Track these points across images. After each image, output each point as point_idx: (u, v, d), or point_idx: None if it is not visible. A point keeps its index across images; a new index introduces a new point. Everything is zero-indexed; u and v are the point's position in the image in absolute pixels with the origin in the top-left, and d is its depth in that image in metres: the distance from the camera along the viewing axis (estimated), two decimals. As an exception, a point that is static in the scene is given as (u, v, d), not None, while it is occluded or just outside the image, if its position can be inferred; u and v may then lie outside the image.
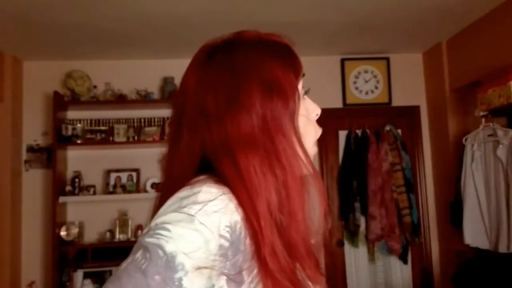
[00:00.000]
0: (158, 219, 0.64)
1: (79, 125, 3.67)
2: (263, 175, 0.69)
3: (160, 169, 0.79)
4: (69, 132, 3.60)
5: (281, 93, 0.72)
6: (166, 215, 0.64)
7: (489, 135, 3.03)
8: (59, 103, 3.59)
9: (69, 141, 3.60)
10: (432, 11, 3.09)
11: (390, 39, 3.67)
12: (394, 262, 3.85)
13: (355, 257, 3.87)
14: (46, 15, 2.93)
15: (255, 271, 0.66)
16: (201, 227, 0.62)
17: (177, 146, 0.75)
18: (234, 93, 0.71)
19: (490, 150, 3.01)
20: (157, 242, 0.61)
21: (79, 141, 3.62)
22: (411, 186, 3.79)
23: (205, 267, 0.62)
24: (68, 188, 3.58)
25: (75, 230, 3.54)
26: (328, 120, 3.97)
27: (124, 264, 0.62)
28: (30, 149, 3.77)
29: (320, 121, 0.83)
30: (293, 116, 0.73)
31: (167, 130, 3.58)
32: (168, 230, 0.62)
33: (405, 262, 3.81)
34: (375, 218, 3.67)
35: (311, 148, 0.80)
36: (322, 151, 3.94)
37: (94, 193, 3.66)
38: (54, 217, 3.44)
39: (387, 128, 3.86)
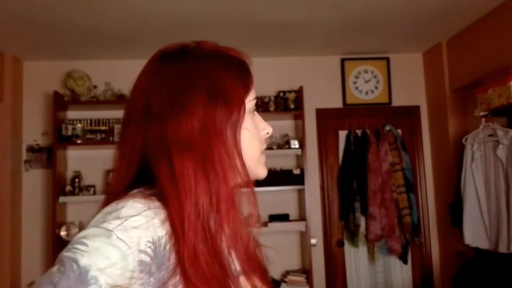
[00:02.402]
0: (79, 234, 0.65)
1: (79, 125, 3.67)
2: (195, 179, 0.69)
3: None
4: (69, 132, 3.60)
5: (226, 102, 0.73)
6: (87, 230, 0.65)
7: (489, 135, 3.03)
8: (59, 103, 3.59)
9: (69, 141, 3.60)
10: (432, 11, 3.09)
11: (390, 39, 3.67)
12: (394, 262, 3.85)
13: (355, 257, 3.87)
14: (46, 15, 2.93)
15: (181, 287, 0.66)
16: (118, 242, 0.62)
17: (123, 145, 0.77)
18: (179, 95, 0.72)
19: (490, 150, 3.01)
20: (73, 256, 0.61)
21: (79, 141, 3.62)
22: (411, 186, 3.79)
23: (120, 286, 0.62)
24: (68, 188, 3.58)
25: (75, 230, 3.54)
26: (328, 120, 3.98)
27: (39, 279, 0.62)
28: (30, 149, 3.77)
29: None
30: (235, 127, 0.74)
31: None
32: (85, 244, 0.62)
33: (405, 262, 3.81)
34: (375, 218, 3.67)
35: (258, 165, 0.80)
36: (322, 151, 3.94)
37: (94, 193, 3.66)
38: (54, 217, 3.44)
39: (387, 128, 3.86)
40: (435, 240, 3.91)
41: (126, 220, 0.65)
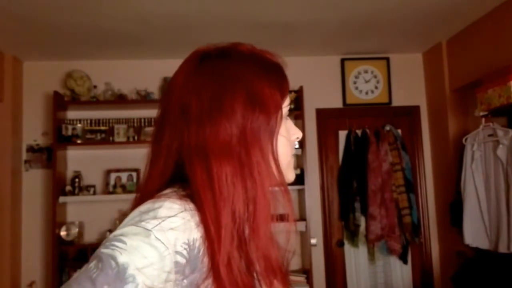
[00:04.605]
0: (116, 231, 0.65)
1: (79, 125, 3.67)
2: (233, 186, 0.69)
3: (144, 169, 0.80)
4: (69, 132, 3.60)
5: (264, 108, 0.73)
6: (124, 227, 0.65)
7: (489, 135, 3.03)
8: (59, 103, 3.59)
9: (69, 141, 3.60)
10: (432, 11, 3.09)
11: (390, 39, 3.67)
12: (394, 262, 3.85)
13: (355, 257, 3.87)
14: (46, 15, 2.93)
15: None
16: (156, 243, 0.63)
17: (158, 145, 0.77)
18: (218, 100, 0.72)
19: (490, 150, 3.01)
20: (111, 253, 0.61)
21: (79, 141, 3.62)
22: (411, 186, 3.79)
23: None
24: (68, 188, 3.58)
25: (75, 230, 3.54)
26: (328, 120, 3.98)
27: (76, 274, 0.62)
28: (30, 149, 3.77)
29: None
30: (272, 133, 0.74)
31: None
32: (123, 242, 0.62)
33: (405, 262, 3.81)
34: (375, 218, 3.67)
35: (288, 170, 0.80)
36: (322, 151, 3.94)
37: (94, 193, 3.67)
38: (54, 217, 3.44)
39: (387, 128, 3.86)
40: (435, 240, 3.91)
41: (163, 220, 0.65)
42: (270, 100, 0.74)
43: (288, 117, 0.81)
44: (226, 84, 0.73)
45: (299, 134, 0.82)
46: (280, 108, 0.76)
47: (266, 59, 0.79)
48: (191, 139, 0.71)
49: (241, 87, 0.73)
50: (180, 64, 0.80)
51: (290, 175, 0.80)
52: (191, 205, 0.68)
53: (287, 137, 0.79)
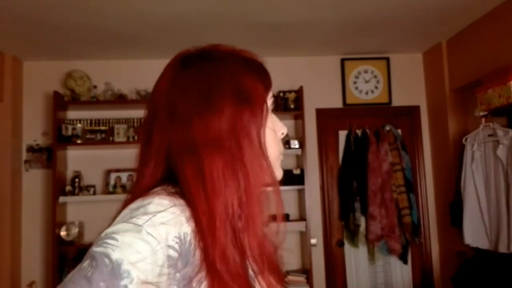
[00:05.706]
0: (107, 229, 0.66)
1: (79, 125, 3.67)
2: (224, 179, 0.70)
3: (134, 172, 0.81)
4: (69, 132, 3.60)
5: (250, 103, 0.75)
6: (115, 225, 0.66)
7: (489, 135, 3.03)
8: (59, 103, 3.59)
9: (69, 141, 3.60)
10: (432, 11, 3.09)
11: (390, 39, 3.67)
12: (394, 262, 3.85)
13: (355, 257, 3.87)
14: (46, 15, 2.93)
15: (205, 283, 0.67)
16: (148, 237, 0.64)
17: (148, 147, 0.77)
18: (206, 96, 0.73)
19: (490, 150, 3.01)
20: (104, 251, 0.62)
21: (79, 141, 3.62)
22: (411, 186, 3.79)
23: (151, 283, 0.63)
24: (68, 188, 3.58)
25: (75, 230, 3.54)
26: (328, 120, 3.98)
27: (71, 274, 0.62)
28: (30, 149, 3.77)
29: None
30: (259, 126, 0.75)
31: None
32: (115, 239, 0.63)
33: (405, 262, 3.81)
34: (375, 218, 3.67)
35: (276, 166, 0.81)
36: (322, 151, 3.94)
37: (94, 193, 3.67)
38: (54, 217, 3.44)
39: (387, 128, 3.86)
40: (435, 240, 3.91)
41: (154, 215, 0.66)
42: (255, 94, 0.76)
43: (273, 114, 0.82)
44: (212, 80, 0.75)
45: (284, 130, 0.84)
46: (265, 102, 0.77)
47: (246, 57, 0.81)
48: (179, 137, 0.73)
49: (227, 82, 0.75)
50: (163, 69, 0.81)
51: (278, 171, 0.81)
52: (180, 201, 0.69)
53: (274, 130, 0.80)
